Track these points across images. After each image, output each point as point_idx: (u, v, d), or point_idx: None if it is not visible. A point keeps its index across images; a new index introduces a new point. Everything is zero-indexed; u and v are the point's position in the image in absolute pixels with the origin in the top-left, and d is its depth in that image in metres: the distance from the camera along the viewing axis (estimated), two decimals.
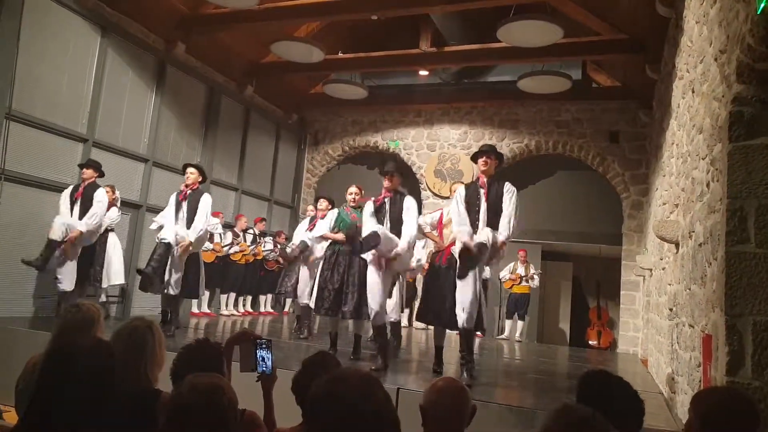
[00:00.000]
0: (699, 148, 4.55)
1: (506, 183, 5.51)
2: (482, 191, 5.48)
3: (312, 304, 6.85)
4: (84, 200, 7.35)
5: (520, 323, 11.42)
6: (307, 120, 13.99)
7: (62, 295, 7.29)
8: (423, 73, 12.40)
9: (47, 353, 2.17)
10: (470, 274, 5.28)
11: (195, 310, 10.16)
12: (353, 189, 6.89)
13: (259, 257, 10.90)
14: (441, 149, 12.71)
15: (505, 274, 11.43)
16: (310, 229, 7.87)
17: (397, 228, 5.88)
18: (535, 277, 11.53)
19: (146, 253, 8.67)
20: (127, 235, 9.32)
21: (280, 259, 10.58)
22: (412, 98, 12.88)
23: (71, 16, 8.20)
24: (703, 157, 4.35)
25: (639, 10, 8.00)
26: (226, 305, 10.78)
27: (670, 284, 6.09)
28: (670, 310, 5.89)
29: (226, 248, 10.35)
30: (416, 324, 10.32)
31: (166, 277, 6.90)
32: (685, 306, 4.88)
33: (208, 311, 10.49)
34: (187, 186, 7.20)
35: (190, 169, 7.24)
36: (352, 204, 6.82)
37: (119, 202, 8.39)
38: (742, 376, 3.19)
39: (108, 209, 7.71)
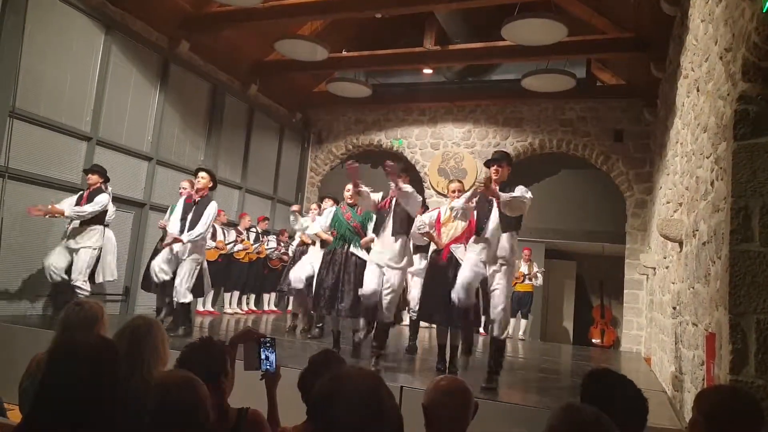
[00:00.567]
0: (703, 147, 4.53)
1: (519, 186, 5.43)
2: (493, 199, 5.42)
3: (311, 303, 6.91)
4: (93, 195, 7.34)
5: (523, 321, 11.41)
6: (311, 118, 13.99)
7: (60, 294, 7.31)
8: (427, 71, 12.37)
9: (50, 351, 2.17)
10: (502, 282, 5.24)
11: (199, 308, 10.17)
12: (351, 189, 6.82)
13: (262, 255, 10.91)
14: (445, 148, 12.70)
15: None
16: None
17: (400, 222, 5.86)
18: (539, 275, 11.52)
19: (149, 252, 8.70)
20: (131, 234, 9.33)
21: (284, 257, 10.62)
22: (416, 97, 12.86)
23: (75, 14, 8.21)
24: (707, 155, 4.34)
25: (644, 8, 7.97)
26: (230, 303, 10.80)
27: (673, 283, 6.07)
28: (674, 308, 5.88)
29: (229, 246, 10.36)
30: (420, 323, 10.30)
31: (176, 284, 6.84)
32: (689, 304, 4.87)
33: (212, 309, 10.50)
34: (197, 191, 7.13)
35: (202, 174, 7.12)
36: (349, 201, 6.76)
37: (111, 197, 8.32)
38: (745, 374, 3.18)
39: None
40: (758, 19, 2.94)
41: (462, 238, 5.82)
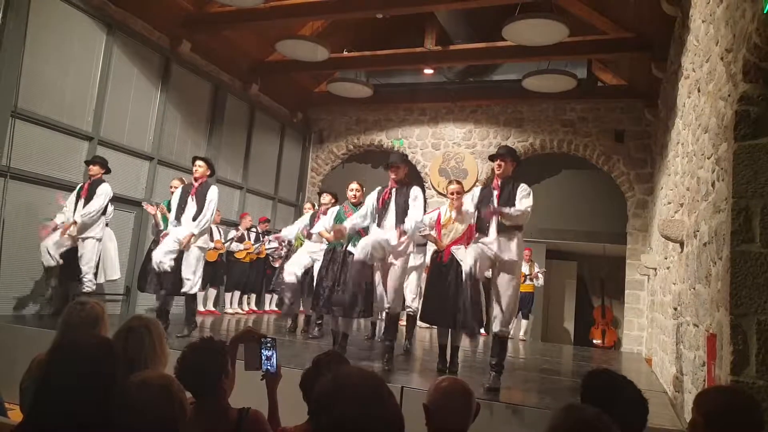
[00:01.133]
0: (704, 148, 4.53)
1: (522, 184, 5.45)
2: (495, 193, 5.43)
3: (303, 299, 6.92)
4: (89, 196, 7.36)
5: (524, 322, 11.41)
6: (312, 118, 13.99)
7: (54, 290, 7.31)
8: (428, 71, 12.38)
9: (51, 351, 2.17)
10: (512, 280, 5.31)
11: (200, 308, 10.17)
12: (354, 185, 6.85)
13: (262, 256, 10.91)
14: (445, 148, 12.70)
15: None
16: (309, 231, 7.87)
17: (402, 215, 5.87)
18: (540, 275, 11.52)
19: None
20: (132, 233, 9.34)
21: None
22: (417, 97, 12.87)
23: (77, 14, 8.22)
24: (708, 156, 4.34)
25: (645, 8, 7.97)
26: (230, 303, 10.80)
27: (674, 283, 6.07)
28: (675, 309, 5.88)
29: (227, 244, 10.35)
30: (420, 323, 10.30)
31: (184, 275, 6.81)
32: (690, 305, 4.87)
33: (213, 309, 10.51)
34: (195, 180, 7.12)
35: (198, 162, 7.10)
36: (352, 200, 6.75)
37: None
38: (746, 375, 3.18)
39: None
40: (759, 20, 2.94)
41: (463, 239, 5.82)
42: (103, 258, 7.78)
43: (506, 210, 5.16)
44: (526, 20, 7.99)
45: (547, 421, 1.82)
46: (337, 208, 7.01)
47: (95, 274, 7.51)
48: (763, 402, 3.07)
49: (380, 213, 5.99)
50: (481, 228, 5.41)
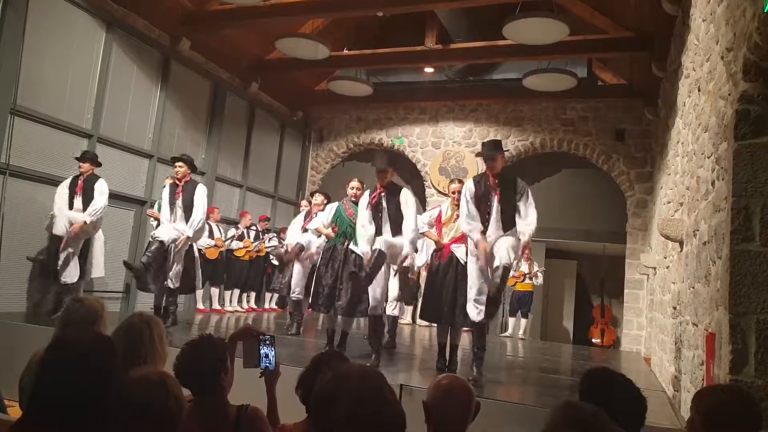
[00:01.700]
0: (704, 147, 4.53)
1: (518, 180, 5.43)
2: (495, 197, 5.39)
3: (309, 300, 6.88)
4: (85, 193, 7.32)
5: (523, 321, 11.42)
6: (312, 117, 13.99)
7: (64, 287, 7.28)
8: (428, 70, 12.38)
9: (48, 348, 2.17)
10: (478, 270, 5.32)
11: (199, 306, 10.19)
12: (355, 183, 6.76)
13: (262, 254, 10.92)
14: (446, 147, 12.69)
15: None
16: (304, 226, 7.85)
17: (396, 223, 5.84)
18: (539, 274, 11.51)
19: None
20: (131, 231, 9.33)
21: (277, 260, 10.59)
22: (417, 95, 12.88)
23: (76, 11, 8.21)
24: (708, 155, 4.34)
25: (645, 7, 7.96)
26: (230, 301, 10.81)
27: (674, 283, 6.08)
28: (674, 308, 5.88)
29: (227, 242, 10.36)
30: (419, 321, 10.32)
31: (168, 271, 6.86)
32: (689, 304, 4.87)
33: (214, 307, 10.53)
34: (179, 180, 7.12)
35: (178, 164, 7.14)
36: (353, 199, 6.68)
37: None
38: (745, 374, 3.18)
39: None
40: (759, 19, 2.94)
41: (463, 238, 5.81)
42: (89, 255, 7.73)
43: (526, 247, 5.20)
44: (527, 19, 7.99)
45: (545, 418, 1.82)
46: (336, 204, 6.93)
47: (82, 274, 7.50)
48: (762, 401, 3.07)
49: (375, 218, 5.95)
50: (482, 225, 5.42)
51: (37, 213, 7.73)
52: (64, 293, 7.21)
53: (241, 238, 10.65)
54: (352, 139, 13.61)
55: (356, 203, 6.52)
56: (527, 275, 11.30)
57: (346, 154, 13.80)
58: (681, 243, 5.56)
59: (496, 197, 5.36)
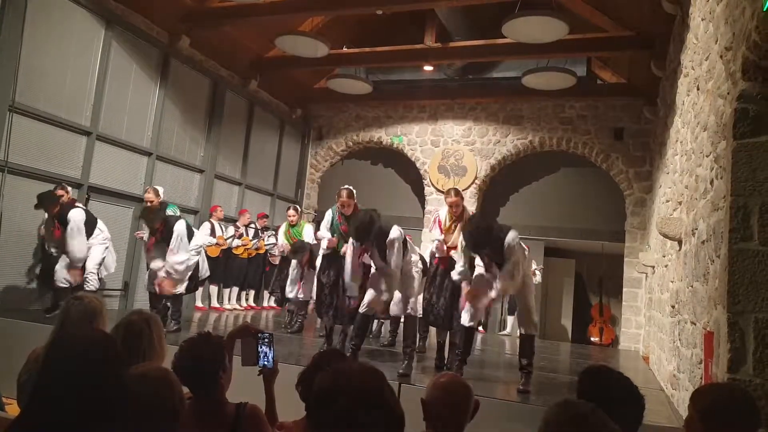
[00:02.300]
0: (703, 146, 4.54)
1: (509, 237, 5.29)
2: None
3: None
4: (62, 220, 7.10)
5: None
6: (311, 115, 13.98)
7: (60, 290, 7.27)
8: (428, 68, 12.37)
9: (49, 345, 2.17)
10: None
11: (198, 303, 10.19)
12: (343, 198, 6.41)
13: (261, 251, 10.91)
14: (445, 145, 12.68)
15: None
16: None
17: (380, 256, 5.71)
18: (537, 273, 11.51)
19: None
20: (130, 229, 9.32)
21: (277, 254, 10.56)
22: (417, 93, 12.87)
23: (75, 8, 8.20)
24: (707, 154, 4.34)
25: (645, 6, 7.97)
26: (229, 299, 10.81)
27: (672, 281, 6.08)
28: (673, 307, 5.89)
29: (229, 240, 10.37)
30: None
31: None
32: (688, 303, 4.88)
33: (213, 305, 10.53)
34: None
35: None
36: (341, 211, 6.49)
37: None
38: (743, 373, 3.19)
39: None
40: (758, 18, 2.94)
41: None
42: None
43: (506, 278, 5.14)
44: (526, 17, 7.99)
45: (543, 416, 1.83)
46: (330, 214, 6.69)
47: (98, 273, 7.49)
48: (760, 399, 3.07)
49: (364, 270, 5.95)
50: None
51: (35, 211, 7.70)
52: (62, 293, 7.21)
53: (240, 236, 10.65)
54: (351, 137, 13.60)
55: (345, 215, 6.46)
56: None
57: (345, 152, 13.80)
58: (680, 242, 5.57)
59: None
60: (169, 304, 7.07)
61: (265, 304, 11.53)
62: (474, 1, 8.94)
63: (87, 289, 7.06)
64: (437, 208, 6.45)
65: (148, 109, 9.61)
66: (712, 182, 4.06)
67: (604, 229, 11.67)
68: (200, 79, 10.75)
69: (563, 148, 11.92)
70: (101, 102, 8.66)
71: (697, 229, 4.58)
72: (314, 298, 7.42)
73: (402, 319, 6.18)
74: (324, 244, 6.66)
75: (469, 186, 12.20)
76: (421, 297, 6.24)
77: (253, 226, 11.05)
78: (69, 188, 7.58)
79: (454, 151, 12.55)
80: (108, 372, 2.07)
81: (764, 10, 2.85)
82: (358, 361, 1.80)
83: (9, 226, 7.41)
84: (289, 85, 12.99)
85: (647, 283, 9.79)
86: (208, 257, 9.58)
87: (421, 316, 6.33)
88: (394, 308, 6.18)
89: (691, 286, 4.71)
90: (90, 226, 7.26)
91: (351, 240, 5.86)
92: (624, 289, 11.24)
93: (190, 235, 7.07)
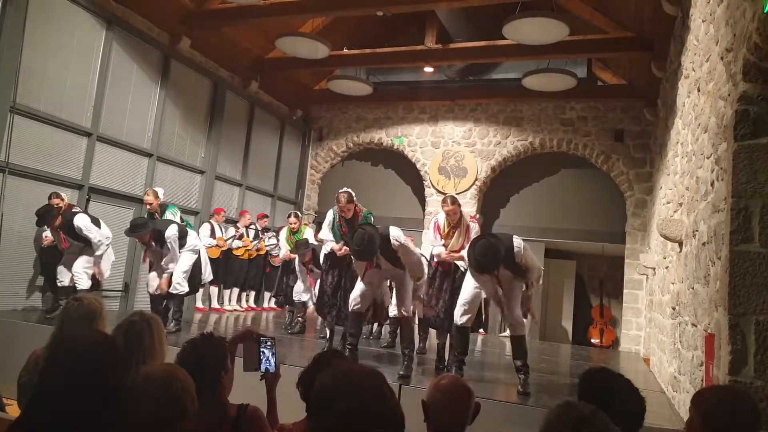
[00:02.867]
0: (704, 147, 4.53)
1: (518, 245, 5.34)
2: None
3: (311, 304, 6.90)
4: (66, 230, 7.11)
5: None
6: (312, 116, 13.98)
7: (62, 290, 7.27)
8: (428, 69, 12.37)
9: (50, 346, 2.17)
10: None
11: (199, 305, 10.19)
12: (343, 203, 6.31)
13: (261, 252, 10.91)
14: (445, 146, 12.68)
15: None
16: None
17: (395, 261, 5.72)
18: None
19: None
20: None
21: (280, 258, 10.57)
22: (417, 95, 12.87)
23: (76, 9, 8.21)
24: (708, 156, 4.34)
25: (645, 8, 7.97)
26: (229, 300, 10.80)
27: (673, 283, 6.08)
28: (673, 309, 5.88)
29: (229, 241, 10.36)
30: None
31: (173, 281, 6.98)
32: (688, 305, 4.87)
33: (214, 306, 10.52)
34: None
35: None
36: (341, 214, 6.45)
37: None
38: (744, 375, 3.18)
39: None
40: (759, 20, 2.94)
41: (462, 249, 5.87)
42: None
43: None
44: (527, 19, 7.99)
45: (543, 418, 1.82)
46: (332, 215, 6.65)
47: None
48: (761, 402, 3.07)
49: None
50: None
51: (35, 211, 7.70)
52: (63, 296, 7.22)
53: (240, 237, 10.65)
54: (351, 138, 13.60)
55: (346, 218, 6.43)
56: None
57: (345, 153, 13.79)
58: (680, 243, 5.56)
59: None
60: (170, 305, 7.08)
61: (265, 305, 11.53)
62: (474, 2, 8.93)
63: (78, 288, 7.06)
64: (437, 209, 6.42)
65: (149, 110, 9.61)
66: (712, 184, 4.05)
67: (604, 231, 11.66)
68: (201, 81, 10.75)
69: (564, 149, 11.91)
70: (102, 103, 8.66)
71: (697, 230, 4.58)
72: (315, 299, 7.45)
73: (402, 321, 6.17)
74: (328, 248, 6.64)
75: (470, 187, 12.20)
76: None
77: (253, 227, 11.05)
78: (63, 194, 7.54)
79: (454, 152, 12.55)
80: (108, 373, 2.07)
81: (765, 11, 2.85)
82: (359, 363, 1.81)
83: (9, 226, 7.41)
84: (290, 86, 13.00)
85: (648, 284, 9.78)
86: (208, 258, 9.61)
87: (420, 317, 6.34)
88: (392, 310, 6.18)
89: (692, 288, 4.71)
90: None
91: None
92: (624, 291, 11.23)
93: (182, 238, 7.07)
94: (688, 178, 5.39)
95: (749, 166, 3.33)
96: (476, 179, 12.20)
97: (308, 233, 8.60)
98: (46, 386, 2.02)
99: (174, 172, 10.12)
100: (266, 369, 2.93)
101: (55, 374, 2.03)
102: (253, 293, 11.31)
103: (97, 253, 7.17)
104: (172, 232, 6.90)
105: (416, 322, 6.55)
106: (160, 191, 7.83)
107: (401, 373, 5.31)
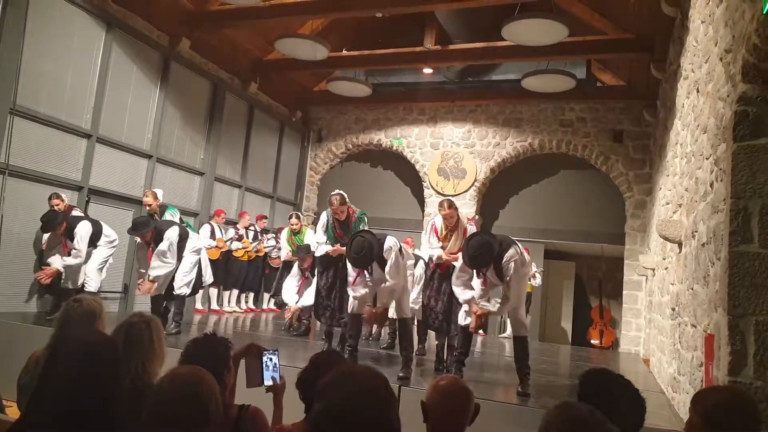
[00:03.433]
0: (703, 148, 4.54)
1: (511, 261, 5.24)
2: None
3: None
4: (70, 236, 7.11)
5: None
6: (311, 117, 13.99)
7: (65, 292, 7.24)
8: (427, 71, 12.38)
9: (50, 347, 2.17)
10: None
11: (198, 306, 10.18)
12: (335, 205, 6.36)
13: (260, 254, 10.91)
14: (444, 147, 12.69)
15: None
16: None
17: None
18: (537, 275, 11.51)
19: None
20: None
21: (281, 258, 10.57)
22: (416, 96, 12.88)
23: (76, 11, 8.20)
24: (707, 156, 4.35)
25: (644, 9, 7.98)
26: (229, 302, 10.80)
27: (672, 284, 6.08)
28: (673, 309, 5.88)
29: (228, 242, 10.36)
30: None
31: (175, 282, 6.91)
32: (688, 306, 4.88)
33: (213, 308, 10.52)
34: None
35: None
36: (335, 216, 6.47)
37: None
38: (744, 376, 3.18)
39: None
40: (758, 21, 2.94)
41: (459, 251, 5.87)
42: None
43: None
44: (526, 20, 7.99)
45: (543, 418, 1.83)
46: (325, 217, 6.69)
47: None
48: (761, 402, 3.07)
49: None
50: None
51: (36, 213, 7.69)
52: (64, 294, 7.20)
53: (240, 238, 10.65)
54: (350, 139, 13.61)
55: (339, 220, 6.46)
56: None
57: (344, 154, 13.80)
58: (680, 244, 5.57)
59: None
60: (170, 306, 7.07)
61: (264, 306, 11.52)
62: (473, 3, 8.94)
63: (87, 290, 7.05)
64: (436, 211, 6.41)
65: (149, 112, 9.61)
66: (712, 185, 4.06)
67: (604, 232, 11.67)
68: (200, 82, 10.75)
69: (563, 150, 11.92)
70: (101, 104, 8.65)
71: (697, 231, 4.58)
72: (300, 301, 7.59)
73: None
74: (322, 251, 6.63)
75: (469, 188, 12.21)
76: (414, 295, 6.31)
77: (252, 228, 11.05)
78: (63, 195, 7.53)
79: (453, 153, 12.56)
80: (110, 375, 2.08)
81: (764, 12, 2.85)
82: (359, 364, 1.81)
83: (9, 228, 7.40)
84: (289, 88, 13.01)
85: (647, 285, 9.78)
86: (208, 260, 9.61)
87: (419, 319, 6.33)
88: (391, 311, 6.18)
89: (692, 289, 4.71)
90: (95, 236, 7.29)
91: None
92: (624, 292, 11.24)
93: (183, 240, 7.03)
94: (687, 179, 5.39)
95: (748, 167, 3.34)
96: (475, 180, 12.21)
97: (309, 234, 8.59)
98: (46, 387, 2.02)
99: (173, 174, 10.12)
100: (272, 378, 2.93)
101: (55, 375, 2.03)
102: (252, 294, 11.30)
103: (67, 262, 7.08)
104: (172, 233, 6.88)
105: (415, 323, 6.54)
106: (160, 192, 7.83)
107: (401, 374, 5.31)
